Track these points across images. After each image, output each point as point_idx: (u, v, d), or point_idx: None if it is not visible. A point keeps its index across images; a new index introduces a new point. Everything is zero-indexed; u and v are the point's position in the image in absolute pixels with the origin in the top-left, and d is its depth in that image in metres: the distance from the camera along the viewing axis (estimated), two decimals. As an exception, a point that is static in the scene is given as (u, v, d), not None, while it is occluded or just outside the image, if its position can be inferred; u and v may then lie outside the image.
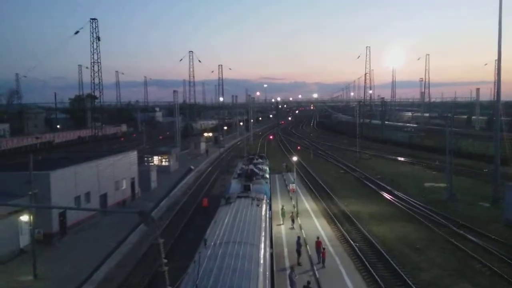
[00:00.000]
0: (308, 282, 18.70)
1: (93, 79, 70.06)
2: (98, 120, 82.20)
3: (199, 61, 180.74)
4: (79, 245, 27.61)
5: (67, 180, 30.36)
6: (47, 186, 27.85)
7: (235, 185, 27.45)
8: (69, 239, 28.82)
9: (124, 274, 22.69)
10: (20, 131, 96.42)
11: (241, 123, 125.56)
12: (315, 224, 31.42)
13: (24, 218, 24.97)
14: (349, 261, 23.49)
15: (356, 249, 25.39)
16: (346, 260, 23.62)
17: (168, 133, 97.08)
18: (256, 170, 32.78)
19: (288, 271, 20.48)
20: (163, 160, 57.85)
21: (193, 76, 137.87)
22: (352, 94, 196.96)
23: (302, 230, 29.25)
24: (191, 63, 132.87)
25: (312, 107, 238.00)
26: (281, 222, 31.39)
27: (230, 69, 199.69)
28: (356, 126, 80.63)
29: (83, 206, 31.83)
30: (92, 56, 69.60)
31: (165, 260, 7.12)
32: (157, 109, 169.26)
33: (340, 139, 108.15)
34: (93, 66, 69.80)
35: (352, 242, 26.68)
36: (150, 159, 57.27)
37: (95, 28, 70.02)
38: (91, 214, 32.28)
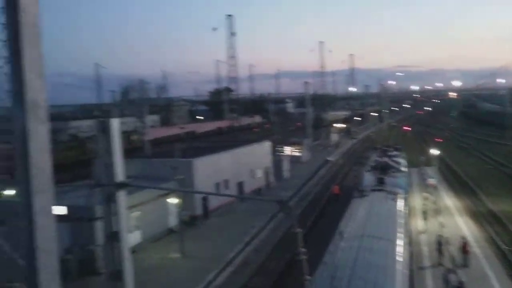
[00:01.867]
0: (461, 283, 17.37)
1: (229, 73, 74.03)
2: (235, 112, 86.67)
3: (330, 51, 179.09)
4: (220, 228, 29.64)
5: (208, 167, 32.74)
6: (191, 173, 30.42)
7: (368, 178, 26.68)
8: (211, 222, 31.12)
9: (260, 259, 23.77)
10: (168, 122, 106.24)
11: (374, 114, 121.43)
12: (458, 223, 29.08)
13: (172, 200, 27.57)
14: (498, 265, 21.30)
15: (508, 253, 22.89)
16: (495, 264, 21.45)
17: (299, 123, 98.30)
18: (391, 163, 31.43)
19: (443, 272, 19.26)
20: (295, 150, 58.80)
21: (324, 67, 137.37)
22: (503, 81, 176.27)
23: (444, 229, 27.32)
24: (321, 54, 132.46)
25: (452, 95, 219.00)
26: (422, 219, 29.72)
27: (361, 58, 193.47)
28: (506, 116, 72.03)
29: (223, 193, 34.04)
30: (228, 51, 73.52)
31: (304, 249, 7.25)
32: (288, 100, 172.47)
33: (487, 130, 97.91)
34: (229, 61, 73.72)
35: (502, 245, 24.10)
36: (282, 149, 58.71)
37: (230, 24, 73.76)
38: (229, 200, 34.37)
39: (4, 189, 28.40)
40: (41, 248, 1.16)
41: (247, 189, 38.66)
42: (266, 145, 44.72)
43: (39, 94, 1.21)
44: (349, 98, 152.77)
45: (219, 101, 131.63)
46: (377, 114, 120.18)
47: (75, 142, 59.13)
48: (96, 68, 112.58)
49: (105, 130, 6.58)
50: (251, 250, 24.70)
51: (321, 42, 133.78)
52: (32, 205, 1.18)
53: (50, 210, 1.19)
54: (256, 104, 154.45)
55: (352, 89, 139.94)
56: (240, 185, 37.56)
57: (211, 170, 33.11)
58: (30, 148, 1.17)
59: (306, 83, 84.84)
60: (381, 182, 24.02)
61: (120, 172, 6.44)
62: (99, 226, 22.17)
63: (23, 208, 1.22)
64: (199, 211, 31.14)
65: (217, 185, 33.80)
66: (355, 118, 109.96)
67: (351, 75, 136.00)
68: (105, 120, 6.23)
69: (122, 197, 6.59)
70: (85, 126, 67.11)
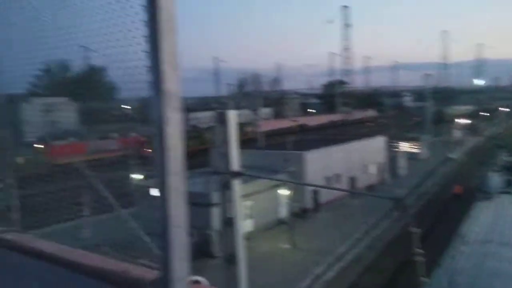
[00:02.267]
0: None
1: (343, 66, 72.57)
2: (348, 105, 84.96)
3: (453, 41, 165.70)
4: (330, 222, 29.45)
5: (319, 160, 32.66)
6: (302, 165, 30.63)
7: (495, 179, 24.42)
8: (321, 215, 31.07)
9: (372, 256, 23.16)
10: (280, 115, 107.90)
11: (504, 109, 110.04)
12: None
13: (283, 192, 28.08)
14: None
15: None
16: None
17: (417, 118, 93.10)
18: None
19: None
20: (413, 146, 55.81)
21: (446, 58, 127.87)
22: None
23: None
24: (443, 44, 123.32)
25: None
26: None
27: (490, 48, 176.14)
28: None
29: (334, 187, 33.72)
30: (343, 43, 72.08)
31: (420, 250, 6.90)
32: (406, 93, 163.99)
33: None
34: (344, 53, 72.26)
35: None
36: (398, 145, 56.13)
37: (346, 15, 72.14)
38: (340, 195, 33.93)
39: (134, 173, 31.31)
40: (173, 224, 1.29)
41: (360, 184, 37.75)
42: (381, 140, 43.16)
43: (174, 85, 1.34)
44: (474, 92, 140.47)
45: (332, 94, 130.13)
46: (508, 110, 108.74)
47: (195, 132, 63.02)
48: (215, 61, 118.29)
49: (223, 121, 6.89)
50: (363, 247, 24.15)
51: (444, 32, 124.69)
52: (166, 185, 1.31)
53: (182, 190, 1.31)
54: (371, 98, 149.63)
55: (479, 81, 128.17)
56: (352, 180, 36.83)
57: (323, 163, 32.96)
58: (166, 133, 1.31)
59: (426, 75, 79.97)
60: (510, 184, 21.89)
61: (235, 161, 6.72)
62: (215, 212, 23.43)
63: (159, 188, 1.37)
64: (309, 204, 31.25)
65: (328, 179, 33.55)
66: (481, 113, 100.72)
67: (478, 66, 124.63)
68: (223, 112, 6.53)
69: (236, 185, 6.87)
70: (204, 117, 71.16)
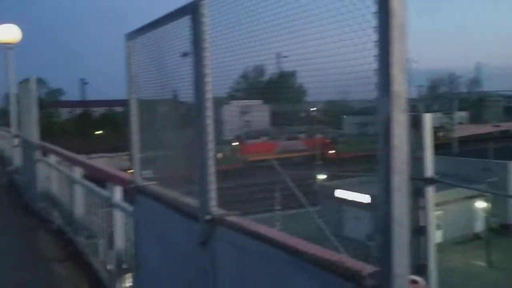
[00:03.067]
0: None
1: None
2: None
3: None
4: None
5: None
6: (505, 175, 27.06)
7: None
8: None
9: None
10: (478, 119, 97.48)
11: None
12: None
13: (479, 204, 25.27)
14: None
15: None
16: None
17: None
18: None
19: None
20: None
21: None
22: None
23: None
24: None
25: None
26: None
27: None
28: None
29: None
30: None
31: None
32: None
33: None
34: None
35: None
36: None
37: None
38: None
39: (318, 174, 32.30)
40: (396, 223, 1.33)
41: None
42: None
43: (401, 87, 1.39)
44: None
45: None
46: None
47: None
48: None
49: (416, 125, 6.65)
50: None
51: None
52: (391, 184, 1.36)
53: (405, 189, 1.34)
54: None
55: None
56: None
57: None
58: (392, 133, 1.36)
59: None
60: None
61: (430, 167, 6.39)
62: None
63: (382, 187, 1.42)
64: (512, 220, 27.48)
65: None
66: None
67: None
68: (417, 115, 6.28)
69: (430, 192, 6.54)
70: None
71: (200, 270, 2.72)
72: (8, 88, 12.08)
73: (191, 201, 2.89)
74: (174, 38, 2.95)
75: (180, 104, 3.28)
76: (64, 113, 79.84)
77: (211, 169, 2.59)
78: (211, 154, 2.59)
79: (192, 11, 2.52)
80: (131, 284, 4.19)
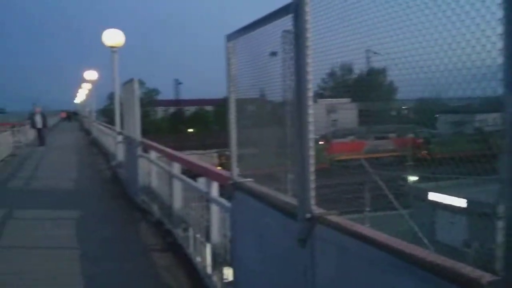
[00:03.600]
0: None
1: None
2: None
3: None
4: None
5: None
6: None
7: None
8: None
9: None
10: None
11: None
12: None
13: None
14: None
15: None
16: None
17: None
18: None
19: None
20: None
21: None
22: None
23: None
24: None
25: None
26: None
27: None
28: None
29: None
30: None
31: None
32: None
33: None
34: None
35: None
36: None
37: None
38: None
39: (409, 175, 30.82)
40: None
41: None
42: None
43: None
44: None
45: None
46: None
47: (479, 135, 57.29)
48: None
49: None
50: None
51: None
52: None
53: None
54: None
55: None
56: None
57: None
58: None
59: None
60: None
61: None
62: (499, 224, 20.79)
63: (510, 191, 1.32)
64: None
65: None
66: None
67: None
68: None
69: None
70: (491, 119, 63.80)
71: (299, 267, 2.74)
72: (113, 88, 13.11)
73: (289, 199, 2.92)
74: (272, 38, 3.00)
75: (278, 103, 3.33)
76: (159, 112, 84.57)
77: (311, 167, 2.60)
78: (312, 152, 2.60)
79: (295, 10, 2.54)
80: (226, 277, 4.34)
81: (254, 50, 3.33)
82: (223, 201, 4.45)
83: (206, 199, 4.99)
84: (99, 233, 7.60)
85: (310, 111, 2.56)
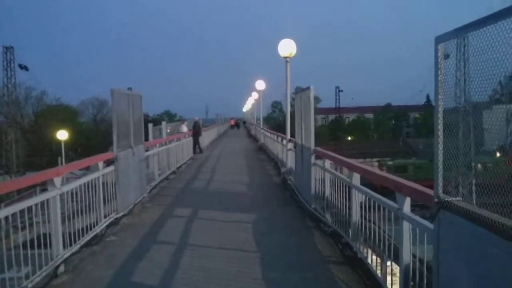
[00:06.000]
0: None
1: None
2: None
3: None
4: None
5: None
6: None
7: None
8: None
9: None
10: None
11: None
12: None
13: None
14: None
15: None
16: None
17: None
18: None
19: None
20: None
21: None
22: None
23: None
24: None
25: None
26: None
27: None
28: None
29: None
30: None
31: None
32: None
33: None
34: None
35: None
36: None
37: None
38: None
39: None
40: None
41: None
42: None
43: None
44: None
45: None
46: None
47: None
48: None
49: None
50: None
51: None
52: None
53: None
54: None
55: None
56: None
57: None
58: None
59: None
60: None
61: None
62: None
63: None
64: None
65: None
66: None
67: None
68: None
69: None
70: None
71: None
72: (285, 96, 13.45)
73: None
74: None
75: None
76: (319, 119, 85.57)
77: None
78: None
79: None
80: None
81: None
82: (419, 219, 4.06)
83: (395, 215, 4.63)
84: (274, 237, 7.73)
85: None
